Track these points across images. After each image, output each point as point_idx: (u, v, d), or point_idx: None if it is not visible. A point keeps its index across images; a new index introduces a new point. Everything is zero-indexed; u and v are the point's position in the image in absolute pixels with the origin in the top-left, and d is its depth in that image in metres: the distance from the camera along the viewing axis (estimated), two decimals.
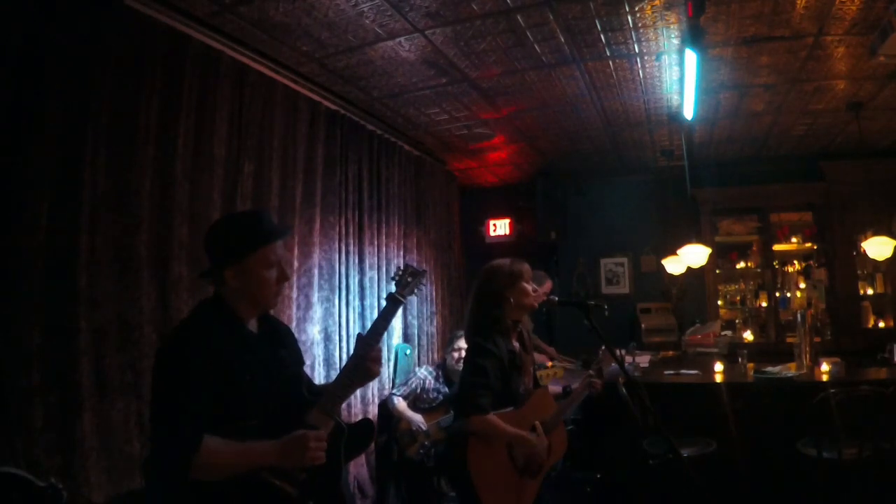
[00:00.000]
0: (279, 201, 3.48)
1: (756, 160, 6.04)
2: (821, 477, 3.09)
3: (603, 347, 2.74)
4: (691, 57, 3.24)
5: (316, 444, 1.60)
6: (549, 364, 4.23)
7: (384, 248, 4.63)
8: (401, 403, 4.00)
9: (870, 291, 5.73)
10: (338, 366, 3.84)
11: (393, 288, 1.98)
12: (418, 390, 4.09)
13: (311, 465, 1.61)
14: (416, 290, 2.02)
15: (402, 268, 2.03)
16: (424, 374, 4.16)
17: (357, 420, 1.99)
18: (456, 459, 2.31)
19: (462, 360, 2.76)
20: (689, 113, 4.12)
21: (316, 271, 3.77)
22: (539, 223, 6.40)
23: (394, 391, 4.12)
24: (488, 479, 2.28)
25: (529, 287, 2.52)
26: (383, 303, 4.52)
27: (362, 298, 4.27)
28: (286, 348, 1.86)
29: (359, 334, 1.88)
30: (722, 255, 6.11)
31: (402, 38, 3.32)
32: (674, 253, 5.23)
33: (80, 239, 2.33)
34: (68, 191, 2.31)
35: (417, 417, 3.98)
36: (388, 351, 4.60)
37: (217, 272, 1.72)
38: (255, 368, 1.66)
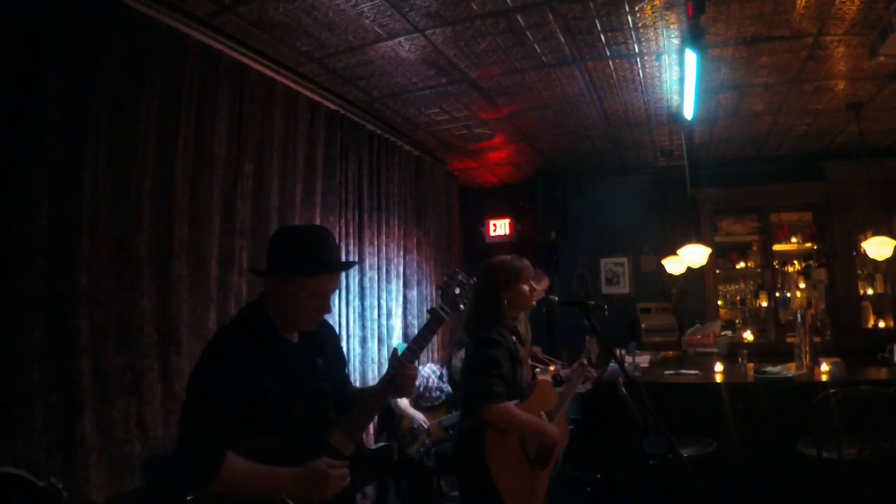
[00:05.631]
0: (279, 201, 3.48)
1: (756, 160, 6.04)
2: (821, 477, 3.09)
3: (588, 336, 2.75)
4: (691, 57, 3.24)
5: (337, 483, 1.58)
6: (552, 368, 4.24)
7: (384, 248, 4.63)
8: (403, 401, 4.00)
9: (870, 291, 5.72)
10: None
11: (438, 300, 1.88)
12: (421, 388, 4.09)
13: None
14: (461, 304, 1.85)
15: (450, 276, 1.88)
16: (428, 372, 4.16)
17: (378, 445, 1.95)
18: (474, 452, 2.28)
19: None
20: (689, 113, 4.12)
21: None
22: (539, 223, 6.41)
23: None
24: (506, 471, 2.27)
25: (527, 287, 2.52)
26: (384, 303, 4.58)
27: (362, 298, 4.27)
28: (324, 356, 1.80)
29: (394, 350, 1.82)
30: (722, 255, 6.10)
31: (402, 38, 3.32)
32: (674, 253, 5.23)
33: (80, 239, 2.33)
34: (68, 191, 2.31)
35: (419, 416, 3.98)
36: (389, 351, 4.60)
37: (265, 277, 1.71)
38: (284, 384, 1.63)
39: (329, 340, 1.89)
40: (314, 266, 1.65)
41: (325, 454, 1.62)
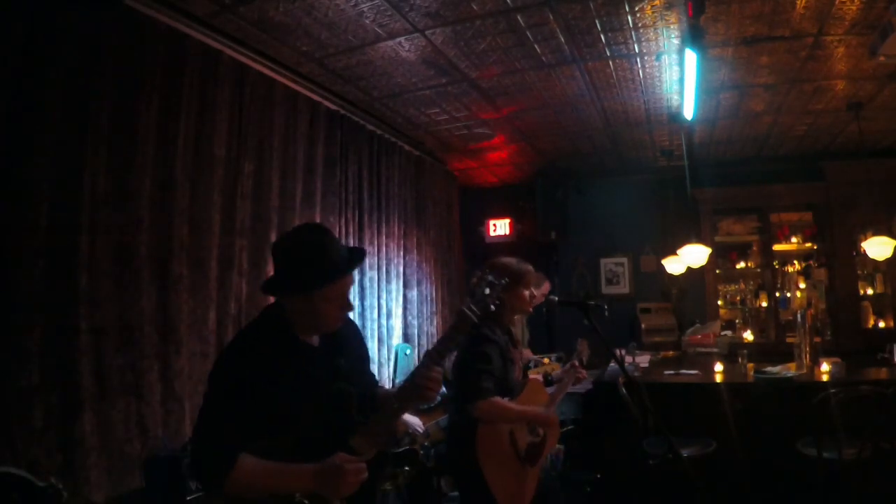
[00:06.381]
0: (279, 201, 3.48)
1: (756, 160, 6.04)
2: (821, 477, 3.09)
3: (579, 339, 2.75)
4: (691, 57, 3.24)
5: (354, 477, 1.52)
6: (546, 361, 4.24)
7: (384, 248, 4.63)
8: None
9: (870, 291, 5.73)
10: None
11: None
12: None
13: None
14: (491, 305, 1.75)
15: (479, 276, 1.80)
16: None
17: (402, 449, 1.88)
18: (465, 448, 2.30)
19: None
20: (689, 113, 4.11)
21: None
22: (539, 223, 6.40)
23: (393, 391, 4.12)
24: (496, 467, 2.29)
25: (528, 293, 2.52)
26: (383, 303, 4.58)
27: (362, 299, 4.27)
28: (346, 356, 1.75)
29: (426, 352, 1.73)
30: (722, 255, 6.11)
31: (402, 38, 3.32)
32: (674, 253, 5.23)
33: (80, 239, 2.33)
34: (68, 191, 2.31)
35: (415, 420, 3.96)
36: (389, 351, 4.60)
37: (276, 296, 1.67)
38: (304, 386, 1.60)
39: (352, 338, 1.85)
40: (325, 276, 1.60)
41: None
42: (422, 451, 3.93)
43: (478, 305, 1.71)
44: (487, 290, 1.73)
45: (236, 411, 1.50)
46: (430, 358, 1.66)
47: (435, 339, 5.38)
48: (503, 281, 1.81)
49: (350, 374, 1.72)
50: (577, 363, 2.69)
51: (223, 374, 1.57)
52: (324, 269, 1.60)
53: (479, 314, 1.69)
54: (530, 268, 2.57)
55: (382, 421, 1.64)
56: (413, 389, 1.64)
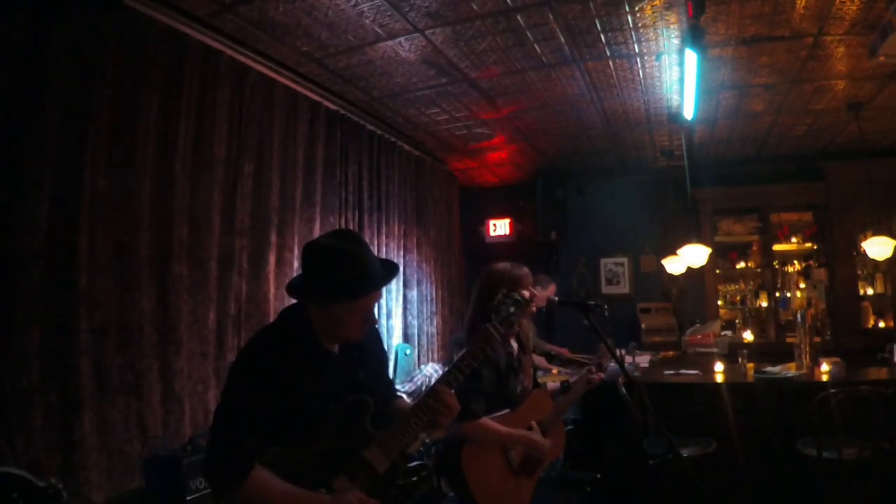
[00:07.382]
0: (279, 201, 3.48)
1: (756, 160, 6.04)
2: (821, 477, 3.09)
3: (601, 344, 2.75)
4: (691, 57, 3.24)
5: None
6: (555, 371, 4.24)
7: (384, 249, 4.63)
8: (404, 401, 3.99)
9: (870, 291, 5.73)
10: None
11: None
12: (423, 388, 4.09)
13: None
14: (514, 324, 1.72)
15: (505, 293, 1.79)
16: (430, 370, 4.17)
17: (414, 464, 1.86)
18: (451, 464, 2.31)
19: None
20: (689, 113, 4.11)
21: None
22: (539, 223, 6.41)
23: (398, 387, 4.13)
24: (484, 482, 2.29)
25: (528, 294, 2.52)
26: (383, 303, 4.58)
27: None
28: (366, 366, 1.73)
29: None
30: (722, 255, 6.11)
31: (402, 38, 3.32)
32: (674, 253, 5.23)
33: (80, 239, 2.33)
34: (68, 191, 2.31)
35: None
36: (389, 351, 4.60)
37: (303, 302, 1.64)
38: (323, 396, 1.58)
39: (372, 344, 1.83)
40: (356, 289, 1.56)
41: (359, 468, 1.57)
42: (422, 449, 3.93)
43: (503, 324, 1.72)
44: (513, 309, 1.74)
45: (255, 418, 1.48)
46: (449, 382, 1.65)
47: (435, 339, 5.38)
48: (528, 297, 1.81)
49: (368, 384, 1.70)
50: (594, 368, 2.67)
51: (244, 377, 1.53)
52: (354, 281, 1.56)
53: (503, 333, 1.69)
54: (527, 270, 2.57)
55: (397, 435, 1.63)
56: (428, 413, 1.64)
